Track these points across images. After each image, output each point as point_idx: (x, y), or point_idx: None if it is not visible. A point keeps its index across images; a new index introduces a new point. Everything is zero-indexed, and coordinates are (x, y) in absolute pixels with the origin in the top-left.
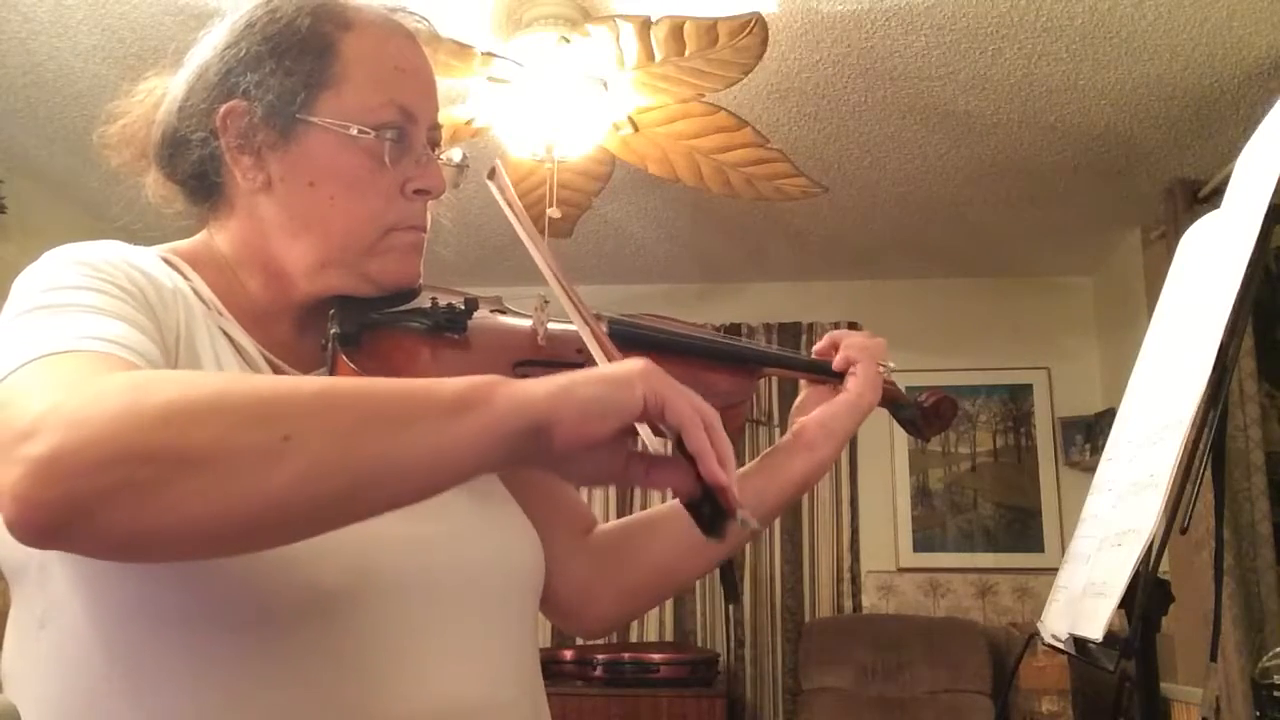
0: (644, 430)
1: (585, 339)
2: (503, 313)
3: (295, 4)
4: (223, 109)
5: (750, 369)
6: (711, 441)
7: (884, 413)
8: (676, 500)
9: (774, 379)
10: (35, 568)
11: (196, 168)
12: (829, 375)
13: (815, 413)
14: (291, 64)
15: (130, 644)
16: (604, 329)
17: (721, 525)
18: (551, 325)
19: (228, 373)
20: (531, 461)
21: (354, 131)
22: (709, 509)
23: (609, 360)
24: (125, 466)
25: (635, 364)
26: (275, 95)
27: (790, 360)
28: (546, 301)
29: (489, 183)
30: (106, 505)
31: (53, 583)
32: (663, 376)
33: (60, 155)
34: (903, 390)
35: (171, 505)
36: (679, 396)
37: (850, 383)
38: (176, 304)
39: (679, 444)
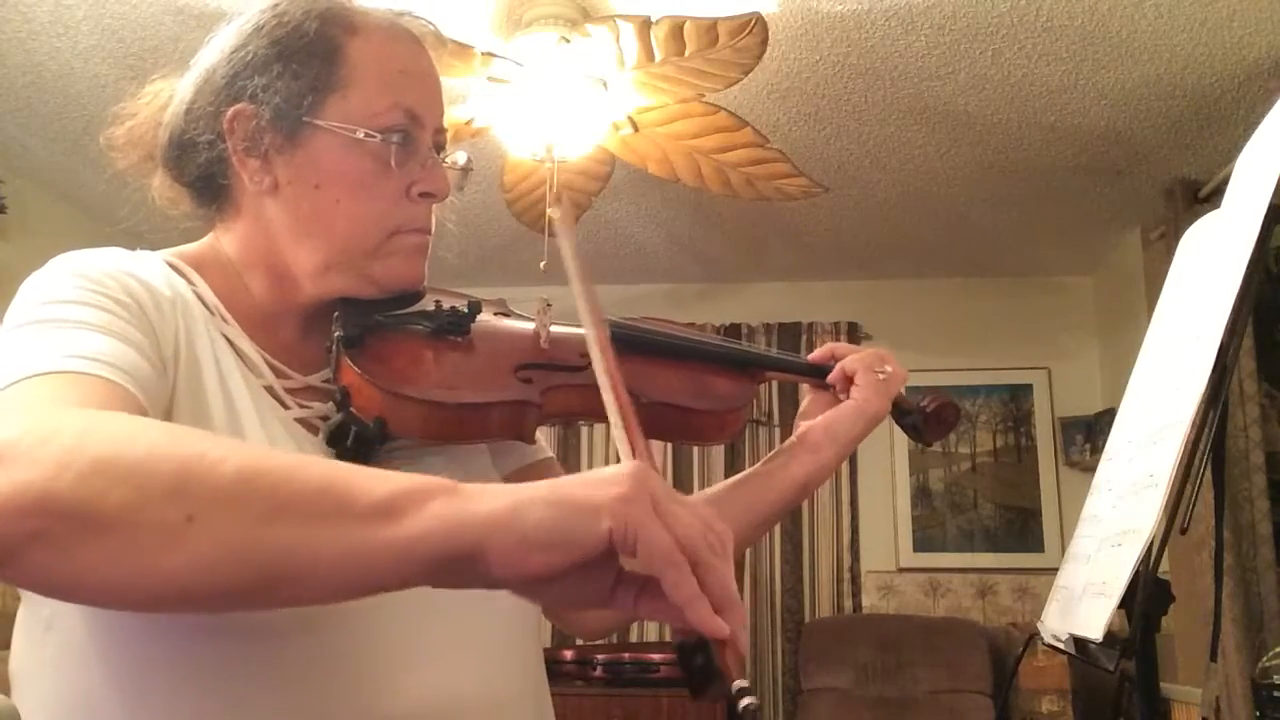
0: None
1: (596, 368)
2: (506, 315)
3: (302, 8)
4: (230, 112)
5: (751, 373)
6: (703, 582)
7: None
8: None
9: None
10: None
11: (203, 170)
12: (823, 378)
13: (820, 417)
14: (298, 68)
15: (130, 650)
16: (606, 332)
17: (711, 689)
18: (554, 328)
19: (178, 427)
20: (476, 585)
21: (360, 135)
22: (701, 661)
23: (618, 401)
24: (43, 519)
25: (613, 483)
26: (282, 99)
27: (791, 364)
28: (550, 304)
29: (550, 212)
30: (26, 552)
31: None
32: (644, 497)
33: (60, 155)
34: (905, 396)
35: (78, 565)
36: (657, 530)
37: (854, 391)
38: (175, 314)
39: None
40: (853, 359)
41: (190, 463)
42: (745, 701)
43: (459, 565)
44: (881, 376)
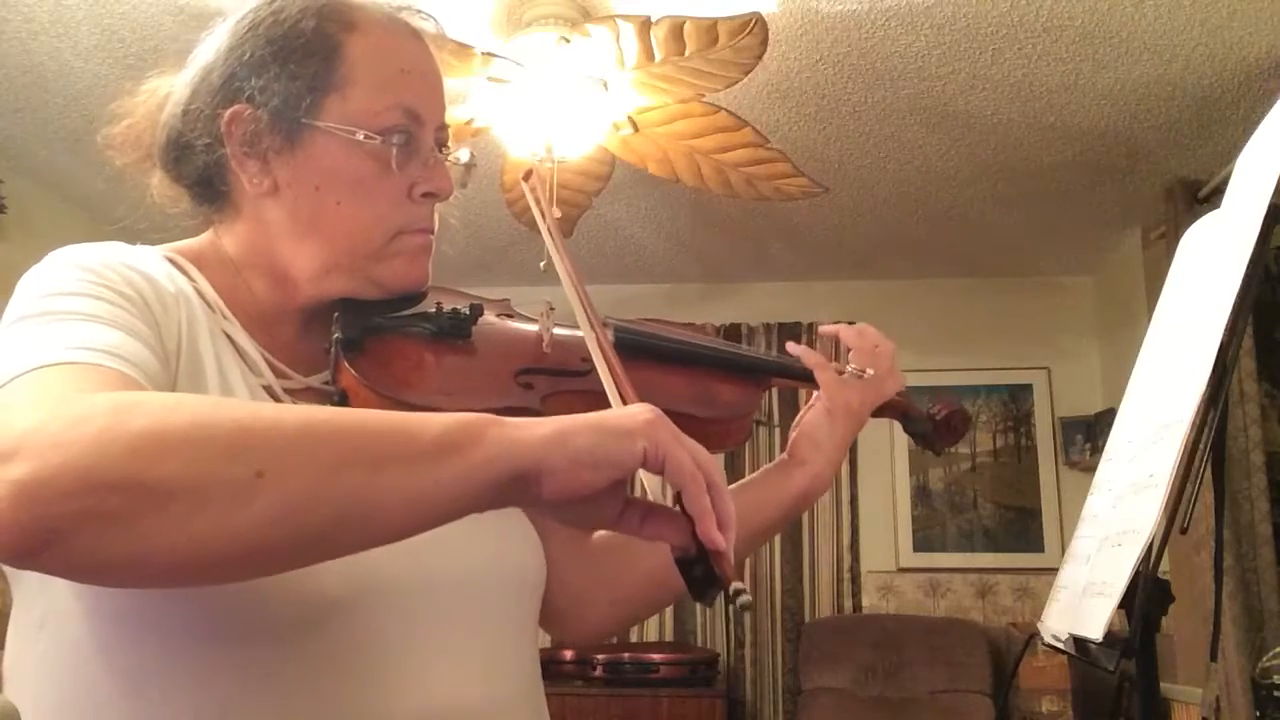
0: (645, 474)
1: (595, 360)
2: (509, 317)
3: (299, 4)
4: (227, 114)
5: (757, 379)
6: (713, 502)
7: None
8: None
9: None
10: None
11: (202, 172)
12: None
13: (801, 426)
14: (296, 68)
15: (128, 649)
16: (609, 335)
17: (711, 591)
18: (557, 331)
19: (212, 398)
20: (519, 505)
21: (360, 137)
22: (701, 571)
23: (617, 386)
24: (93, 495)
25: (640, 412)
26: (280, 100)
27: (797, 370)
28: (553, 307)
29: (523, 184)
30: (74, 532)
31: (53, 587)
32: (667, 428)
33: (60, 155)
34: (914, 404)
35: (138, 536)
36: (682, 451)
37: (819, 393)
38: (178, 308)
39: (678, 499)
40: (809, 357)
41: (247, 422)
42: (742, 599)
43: (515, 487)
44: (851, 371)
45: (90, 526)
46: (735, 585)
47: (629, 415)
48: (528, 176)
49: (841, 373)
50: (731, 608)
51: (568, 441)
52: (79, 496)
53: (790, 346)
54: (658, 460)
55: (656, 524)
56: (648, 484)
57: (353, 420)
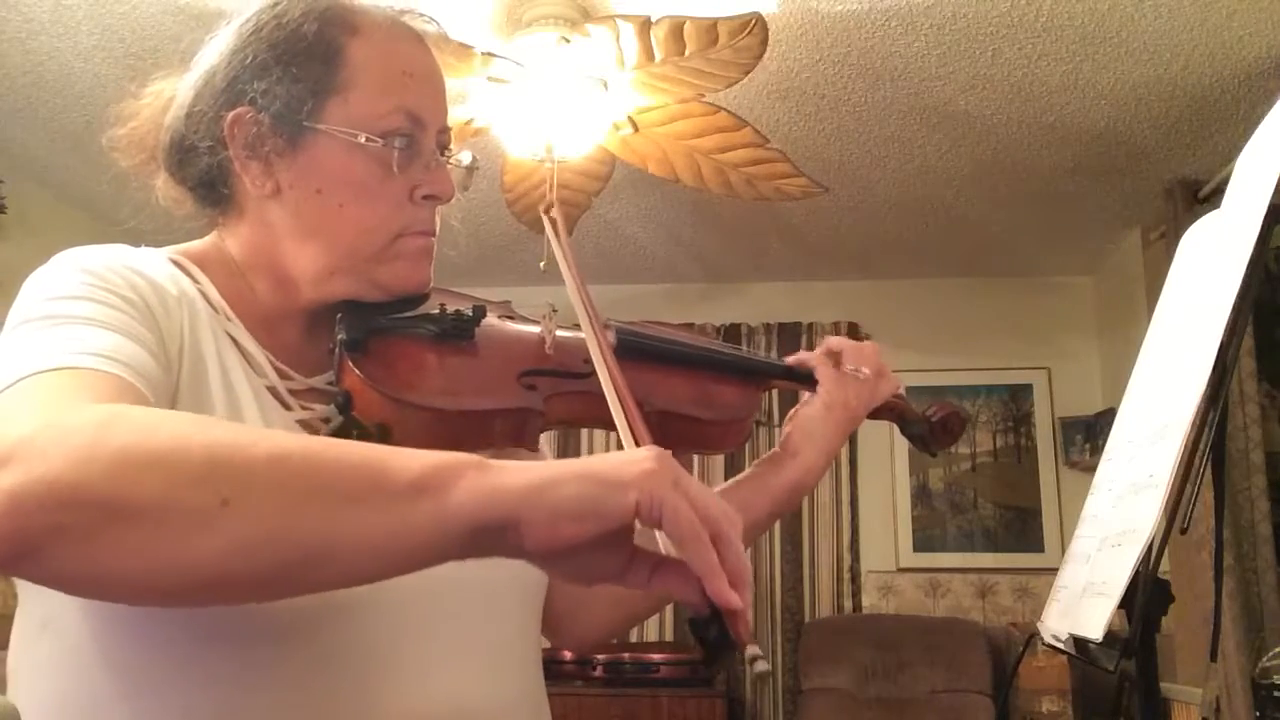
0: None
1: (598, 368)
2: (512, 318)
3: (301, 8)
4: (230, 117)
5: (757, 382)
6: (722, 557)
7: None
8: None
9: None
10: None
11: (205, 175)
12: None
13: (794, 419)
14: (298, 71)
15: (128, 650)
16: (611, 338)
17: (726, 655)
18: (560, 333)
19: (200, 417)
20: (502, 555)
21: (362, 139)
22: (716, 633)
23: (618, 396)
24: (63, 511)
25: (639, 460)
26: (282, 103)
27: (797, 373)
28: (555, 309)
29: (544, 217)
30: (49, 545)
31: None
32: (667, 476)
33: (61, 155)
34: (910, 406)
35: (106, 555)
36: (681, 503)
37: (819, 386)
38: (181, 311)
39: None
40: (812, 356)
41: (221, 448)
42: (759, 667)
43: (492, 536)
44: (852, 371)
45: (61, 541)
46: (751, 650)
47: (625, 463)
48: (549, 209)
49: (839, 369)
50: (748, 672)
51: (550, 491)
52: (51, 510)
53: (789, 359)
54: (653, 514)
55: (666, 580)
56: (661, 545)
57: (328, 453)
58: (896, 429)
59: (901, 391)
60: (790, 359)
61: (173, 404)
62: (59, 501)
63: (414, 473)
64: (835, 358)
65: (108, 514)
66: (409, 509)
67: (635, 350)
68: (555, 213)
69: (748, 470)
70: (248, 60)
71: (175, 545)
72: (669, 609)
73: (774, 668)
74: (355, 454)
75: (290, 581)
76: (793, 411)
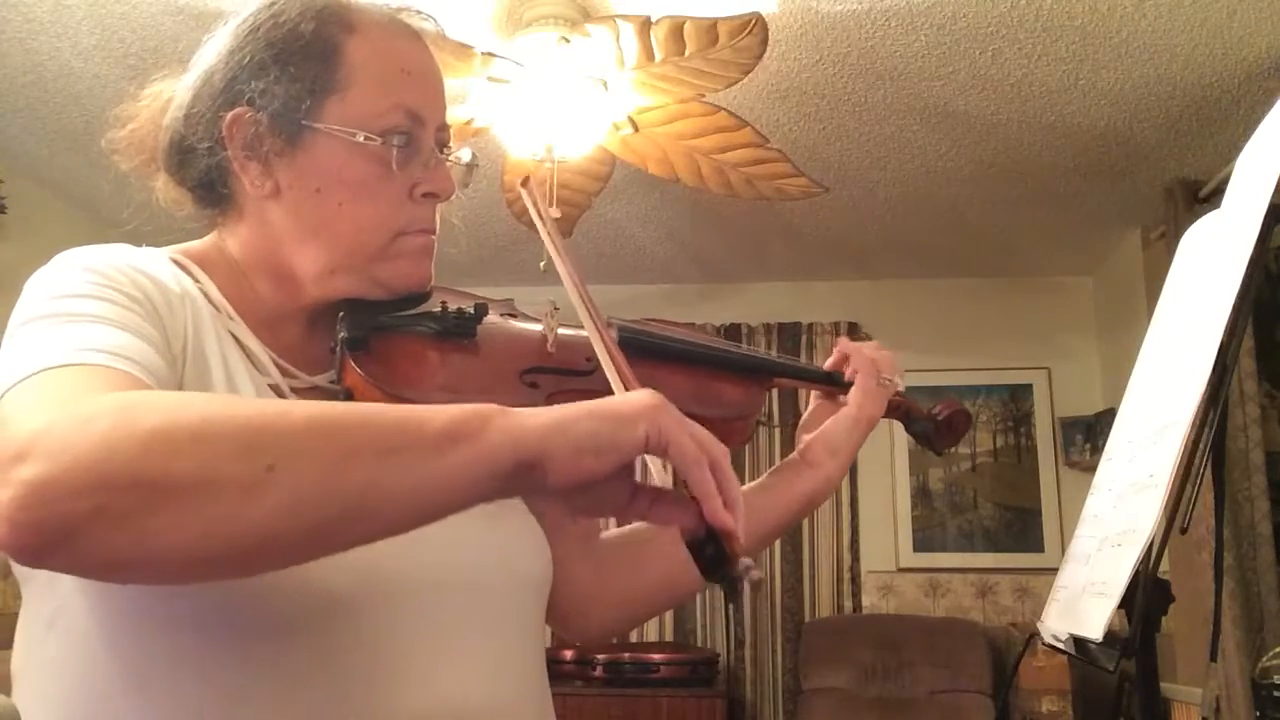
0: (653, 461)
1: (599, 355)
2: (514, 316)
3: (299, 7)
4: (228, 117)
5: (761, 380)
6: (718, 483)
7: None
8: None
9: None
10: (45, 570)
11: (204, 176)
12: (839, 386)
13: (819, 430)
14: (296, 70)
15: (135, 644)
16: (613, 335)
17: (722, 570)
18: (562, 331)
19: (219, 395)
20: (526, 494)
21: (360, 138)
22: (712, 550)
23: (622, 381)
24: (104, 494)
25: (642, 398)
26: (281, 103)
27: (801, 371)
28: (557, 307)
29: (521, 189)
30: (87, 531)
31: (62, 585)
32: (669, 412)
33: (61, 155)
34: (916, 404)
35: (150, 533)
36: (684, 435)
37: (851, 395)
38: (184, 309)
39: (685, 482)
40: (861, 359)
41: (256, 419)
42: (752, 575)
43: (521, 475)
44: (887, 383)
45: (102, 525)
46: (744, 561)
47: (630, 400)
48: (525, 182)
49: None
50: (744, 586)
51: (570, 429)
52: (90, 495)
53: (847, 346)
54: (660, 444)
55: (664, 508)
56: (654, 471)
57: (360, 413)
58: (898, 427)
59: (901, 389)
60: (828, 364)
61: None
62: (94, 485)
63: (445, 422)
64: (873, 368)
65: (152, 493)
66: (445, 455)
67: (637, 347)
68: (532, 185)
69: (762, 478)
70: (245, 60)
71: (228, 514)
72: (669, 610)
73: (774, 668)
74: (386, 412)
75: (339, 535)
76: (805, 418)
